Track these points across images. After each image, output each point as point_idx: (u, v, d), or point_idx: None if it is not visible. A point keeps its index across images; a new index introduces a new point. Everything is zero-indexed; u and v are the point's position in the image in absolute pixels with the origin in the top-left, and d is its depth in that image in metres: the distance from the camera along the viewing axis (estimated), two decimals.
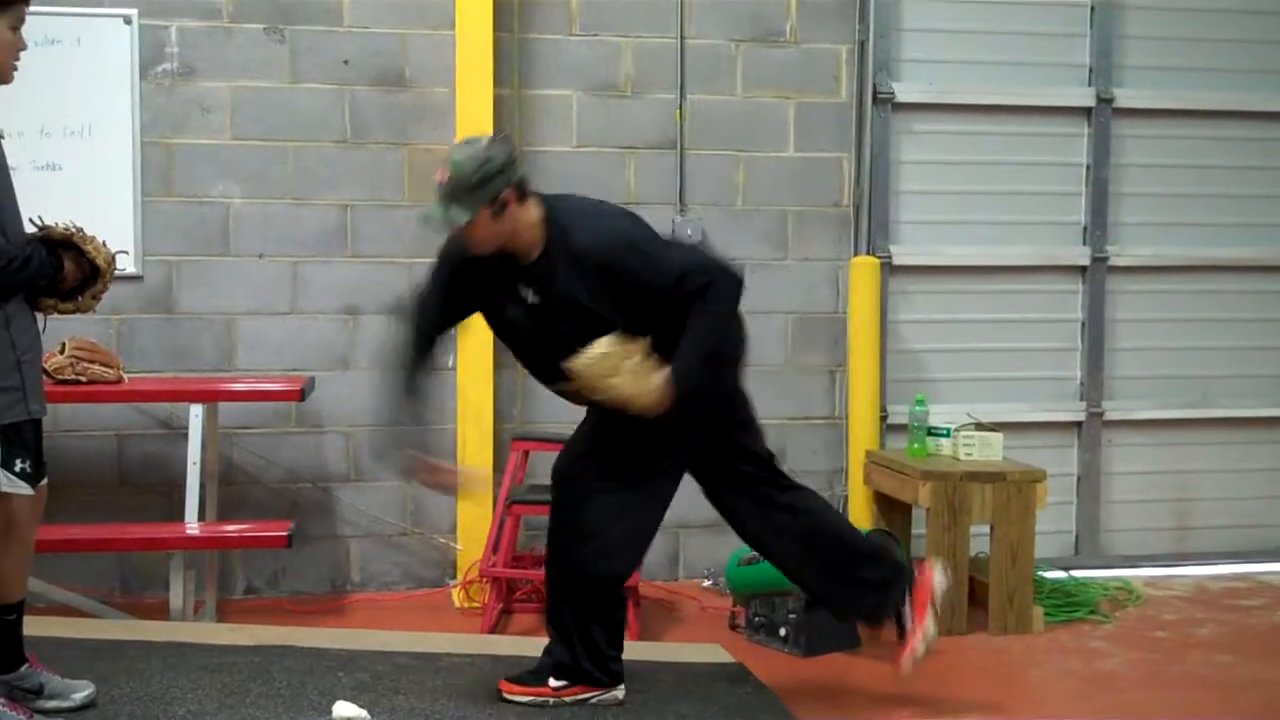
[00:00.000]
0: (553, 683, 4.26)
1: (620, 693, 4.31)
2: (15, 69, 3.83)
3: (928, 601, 4.38)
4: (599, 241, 3.97)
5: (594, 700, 4.27)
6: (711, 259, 4.10)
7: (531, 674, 4.33)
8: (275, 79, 5.83)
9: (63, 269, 3.82)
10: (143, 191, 5.75)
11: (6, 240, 3.71)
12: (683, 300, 3.95)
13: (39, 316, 3.90)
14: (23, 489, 3.83)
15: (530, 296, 4.01)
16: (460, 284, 4.12)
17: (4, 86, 3.84)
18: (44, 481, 3.93)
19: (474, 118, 5.76)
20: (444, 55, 5.85)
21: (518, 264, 4.01)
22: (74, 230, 3.88)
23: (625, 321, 3.97)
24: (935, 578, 4.43)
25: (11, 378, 3.75)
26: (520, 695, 4.27)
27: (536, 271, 4.00)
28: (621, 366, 3.94)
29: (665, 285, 3.94)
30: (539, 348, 4.12)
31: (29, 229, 3.86)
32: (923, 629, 4.35)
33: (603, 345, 3.93)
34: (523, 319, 4.07)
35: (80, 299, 3.94)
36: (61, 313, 3.94)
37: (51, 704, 4.01)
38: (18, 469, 3.80)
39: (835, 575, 4.40)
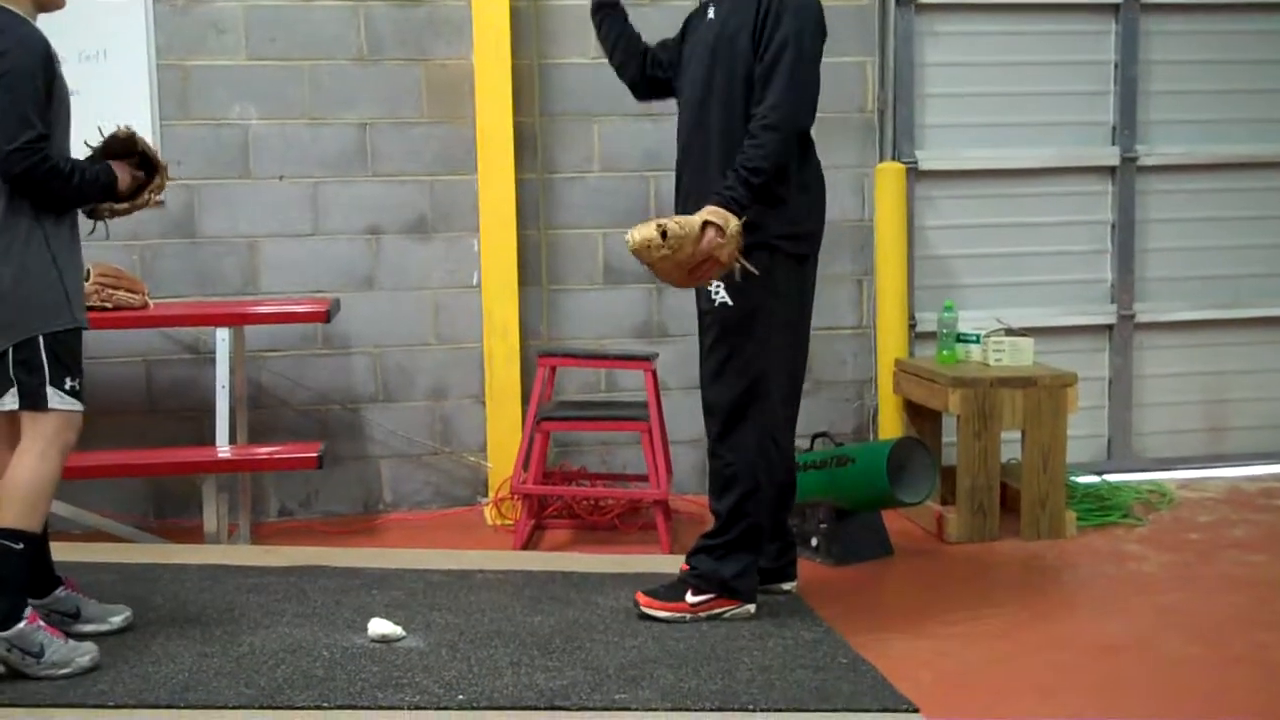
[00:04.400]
0: (690, 598, 4.31)
1: (752, 608, 4.36)
2: None
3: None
4: None
5: (728, 614, 4.31)
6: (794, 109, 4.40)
7: (668, 588, 4.37)
8: None
9: (116, 181, 3.95)
10: (161, 115, 5.71)
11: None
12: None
13: (100, 224, 4.12)
14: (74, 405, 3.84)
15: (710, 13, 4.44)
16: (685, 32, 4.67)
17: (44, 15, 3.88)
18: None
19: (491, 31, 5.70)
20: None
21: None
22: (133, 133, 4.09)
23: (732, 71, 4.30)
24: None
25: (55, 291, 3.79)
26: (659, 610, 4.31)
27: None
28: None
29: (769, 57, 4.26)
30: (693, 78, 4.44)
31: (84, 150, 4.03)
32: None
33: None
34: (693, 43, 4.53)
35: (140, 198, 4.13)
36: (119, 214, 4.14)
37: (89, 628, 4.05)
38: (67, 386, 3.82)
39: None
